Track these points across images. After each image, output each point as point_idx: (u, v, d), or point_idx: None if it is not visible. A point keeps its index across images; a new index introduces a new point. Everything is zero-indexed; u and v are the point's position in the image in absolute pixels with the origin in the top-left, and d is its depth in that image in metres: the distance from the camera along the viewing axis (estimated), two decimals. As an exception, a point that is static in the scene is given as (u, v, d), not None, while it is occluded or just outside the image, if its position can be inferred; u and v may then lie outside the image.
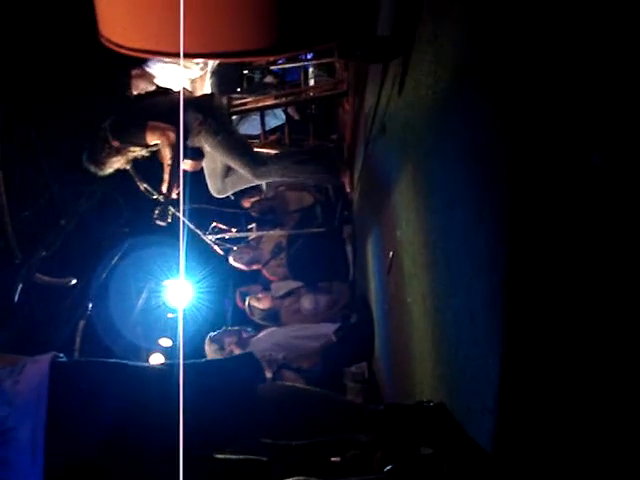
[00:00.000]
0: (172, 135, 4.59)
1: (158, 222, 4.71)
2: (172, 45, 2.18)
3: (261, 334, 5.33)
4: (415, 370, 2.51)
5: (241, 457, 2.11)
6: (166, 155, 4.58)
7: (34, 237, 5.70)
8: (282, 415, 1.91)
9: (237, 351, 5.12)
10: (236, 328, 5.55)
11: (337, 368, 4.54)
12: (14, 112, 5.35)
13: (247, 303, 6.29)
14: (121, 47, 2.31)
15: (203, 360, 2.25)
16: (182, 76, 5.62)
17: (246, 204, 7.32)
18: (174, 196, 4.69)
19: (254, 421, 1.91)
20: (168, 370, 2.03)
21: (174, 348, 8.60)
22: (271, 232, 6.81)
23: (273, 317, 6.14)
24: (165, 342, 8.72)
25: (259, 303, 6.18)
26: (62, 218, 6.10)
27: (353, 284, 5.43)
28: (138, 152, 4.73)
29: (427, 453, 1.87)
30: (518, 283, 1.28)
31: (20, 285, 4.96)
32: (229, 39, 2.19)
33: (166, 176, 4.61)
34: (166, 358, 8.59)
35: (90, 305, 6.46)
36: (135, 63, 5.72)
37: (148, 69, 5.58)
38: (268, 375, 4.58)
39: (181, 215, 4.63)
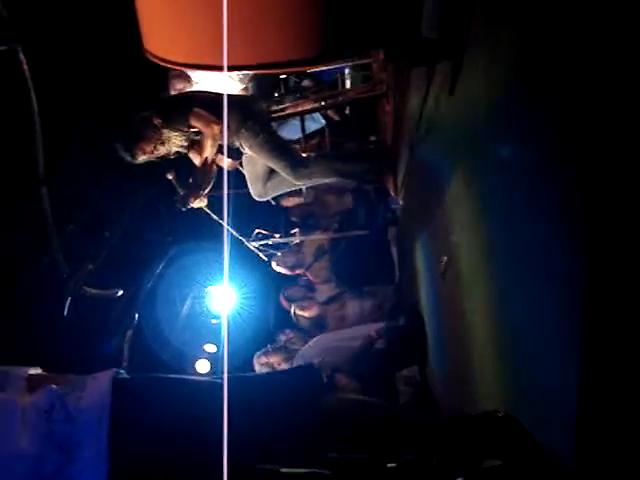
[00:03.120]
0: (216, 128, 4.55)
1: (178, 206, 4.65)
2: (216, 58, 2.15)
3: (306, 344, 5.30)
4: (475, 377, 2.45)
5: (306, 471, 2.08)
6: (205, 146, 4.54)
7: (80, 250, 5.75)
8: (350, 431, 1.89)
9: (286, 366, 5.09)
10: (281, 344, 5.51)
11: (388, 371, 4.49)
12: (57, 125, 5.40)
13: (293, 312, 6.25)
14: (165, 61, 2.30)
15: (264, 373, 2.23)
16: (221, 77, 5.61)
17: (287, 204, 7.29)
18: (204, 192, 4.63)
19: (319, 436, 1.89)
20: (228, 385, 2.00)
21: (219, 354, 8.62)
22: (313, 236, 6.78)
23: (319, 324, 6.11)
24: (210, 348, 8.73)
25: (304, 311, 6.15)
26: (106, 230, 6.14)
27: (399, 287, 5.38)
28: (174, 140, 4.64)
29: (496, 465, 1.82)
30: (599, 292, 1.23)
31: (69, 299, 4.99)
32: (275, 50, 2.16)
33: (200, 168, 4.56)
34: (211, 365, 8.63)
35: (137, 315, 6.48)
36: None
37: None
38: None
39: (225, 221, 4.58)
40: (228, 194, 4.54)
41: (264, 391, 2.01)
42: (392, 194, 4.82)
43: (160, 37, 2.30)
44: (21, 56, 4.98)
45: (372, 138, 6.17)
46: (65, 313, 4.93)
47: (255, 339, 8.61)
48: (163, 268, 7.24)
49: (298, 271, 7.14)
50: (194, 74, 5.58)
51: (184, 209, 4.54)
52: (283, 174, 4.84)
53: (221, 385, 2.04)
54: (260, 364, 5.33)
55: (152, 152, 4.58)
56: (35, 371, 2.22)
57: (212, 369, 8.62)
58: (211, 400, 1.96)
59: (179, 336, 8.30)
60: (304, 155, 4.95)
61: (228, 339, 8.30)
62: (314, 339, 5.36)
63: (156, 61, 2.35)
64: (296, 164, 4.79)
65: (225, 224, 5.27)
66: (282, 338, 7.09)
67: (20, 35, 4.87)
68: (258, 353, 5.39)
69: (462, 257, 2.48)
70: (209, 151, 4.54)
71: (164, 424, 1.90)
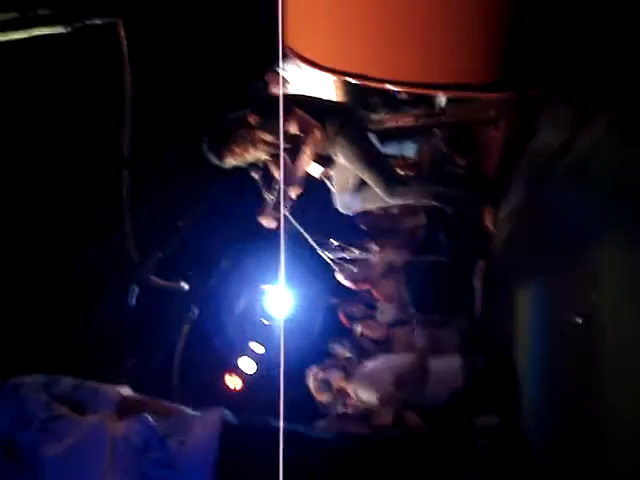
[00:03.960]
0: (317, 132, 4.33)
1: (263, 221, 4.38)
2: (380, 70, 1.92)
3: (370, 364, 5.02)
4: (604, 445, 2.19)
5: None
6: (303, 152, 4.29)
7: (151, 237, 5.58)
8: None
9: (348, 388, 4.82)
10: (341, 362, 5.24)
11: (463, 415, 4.20)
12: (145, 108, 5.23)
13: (359, 330, 5.99)
14: (315, 65, 2.06)
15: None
16: (317, 82, 5.40)
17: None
18: (293, 196, 4.39)
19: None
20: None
21: (265, 356, 8.45)
22: (389, 252, 6.51)
23: (383, 347, 5.84)
24: (257, 347, 8.56)
25: (371, 331, 5.87)
26: (179, 219, 5.97)
27: (479, 322, 5.07)
28: (266, 145, 4.42)
29: None
30: None
31: (136, 288, 4.80)
32: (444, 69, 1.90)
33: (292, 170, 4.32)
34: (257, 364, 8.45)
35: (197, 311, 6.29)
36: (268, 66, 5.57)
37: (282, 72, 5.38)
38: (388, 419, 4.30)
39: (281, 221, 4.28)
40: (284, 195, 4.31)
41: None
42: (489, 226, 4.53)
43: (312, 38, 2.06)
44: (121, 31, 4.83)
45: (462, 162, 5.87)
46: (132, 302, 4.74)
47: (304, 345, 8.46)
48: (226, 265, 7.06)
49: (364, 286, 6.87)
50: (288, 73, 5.37)
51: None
52: (376, 189, 4.59)
53: (337, 446, 1.81)
54: (316, 379, 5.06)
55: (242, 155, 4.37)
56: (125, 391, 2.00)
57: (258, 371, 8.46)
58: (327, 459, 1.73)
59: (232, 331, 8.17)
60: (401, 172, 4.69)
61: (273, 339, 8.19)
62: (377, 360, 5.09)
63: (303, 62, 2.13)
64: (393, 180, 4.55)
65: (302, 230, 5.08)
66: (338, 352, 6.87)
67: (122, 10, 4.71)
68: (314, 367, 5.13)
69: (606, 321, 2.21)
70: (306, 157, 4.31)
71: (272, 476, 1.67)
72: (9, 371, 4.26)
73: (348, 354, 6.01)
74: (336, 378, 4.99)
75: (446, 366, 4.65)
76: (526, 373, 3.59)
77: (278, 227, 4.47)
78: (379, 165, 4.58)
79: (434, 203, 4.69)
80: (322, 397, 4.96)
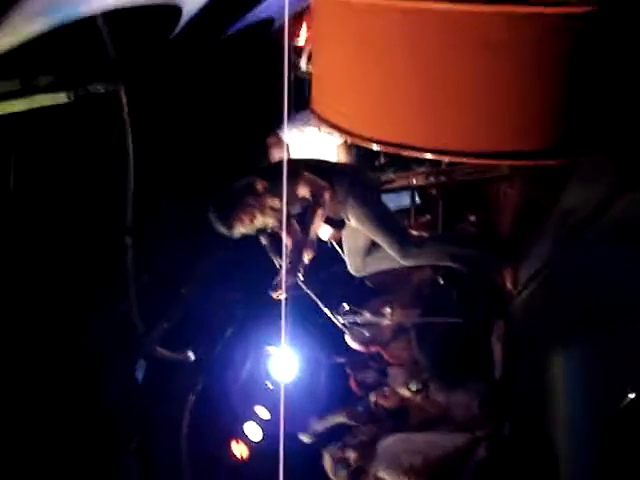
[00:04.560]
0: (328, 195, 4.19)
1: (287, 278, 4.17)
2: (418, 139, 1.78)
3: (388, 440, 4.78)
4: None
5: None
6: (316, 215, 4.15)
7: (154, 306, 5.40)
8: None
9: (366, 465, 4.58)
10: (356, 440, 5.01)
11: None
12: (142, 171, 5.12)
13: (373, 400, 5.75)
14: (353, 135, 1.93)
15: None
16: (322, 144, 5.31)
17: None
18: (306, 261, 4.22)
19: None
20: None
21: (272, 422, 8.22)
22: (399, 312, 6.32)
23: (399, 415, 5.60)
24: (262, 412, 8.32)
25: (386, 401, 5.64)
26: (182, 285, 5.79)
27: (501, 388, 4.85)
28: (274, 211, 4.26)
29: None
30: None
31: (144, 362, 4.60)
32: (498, 137, 1.76)
33: (305, 235, 4.17)
34: (263, 430, 8.20)
35: (202, 380, 6.07)
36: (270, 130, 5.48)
37: (285, 137, 5.28)
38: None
39: (283, 283, 4.08)
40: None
41: None
42: (508, 287, 4.36)
43: (349, 106, 1.93)
44: (122, 97, 4.74)
45: (471, 218, 5.73)
46: (140, 378, 4.53)
47: (309, 408, 8.22)
48: (231, 330, 6.86)
49: (373, 348, 6.66)
50: (289, 137, 5.27)
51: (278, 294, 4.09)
52: (389, 251, 4.43)
53: None
54: (335, 460, 4.80)
55: (250, 222, 4.21)
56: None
57: (264, 438, 8.21)
58: None
59: (236, 398, 7.95)
60: (414, 233, 4.54)
61: (278, 403, 7.95)
62: (397, 435, 4.85)
63: (328, 127, 1.99)
64: (406, 242, 4.38)
65: (319, 302, 4.91)
66: (349, 422, 6.63)
67: (124, 76, 4.63)
68: (332, 448, 4.87)
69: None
70: (318, 220, 4.16)
71: None
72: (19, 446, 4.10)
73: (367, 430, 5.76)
74: (353, 458, 4.73)
75: (466, 439, 4.42)
76: (567, 446, 3.39)
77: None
78: (392, 226, 4.43)
79: (450, 264, 4.52)
80: (339, 477, 4.70)
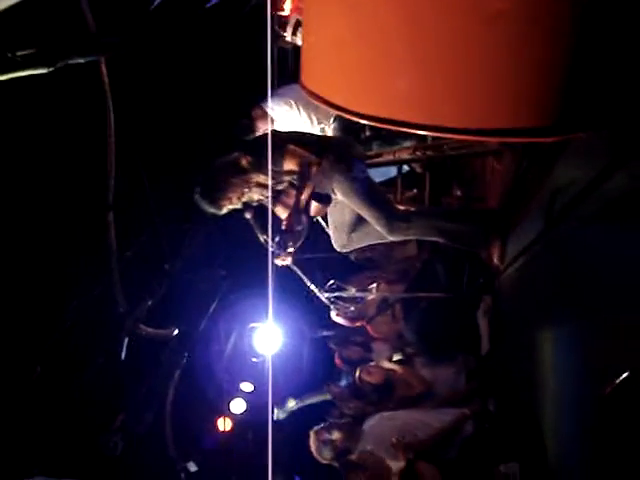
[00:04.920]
0: (315, 168, 4.13)
1: (277, 254, 4.18)
2: (413, 114, 1.71)
3: (372, 421, 4.75)
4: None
5: None
6: (300, 190, 4.11)
7: (137, 282, 5.33)
8: None
9: (352, 448, 4.55)
10: (343, 421, 4.97)
11: (481, 463, 3.97)
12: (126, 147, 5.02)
13: (357, 376, 5.73)
14: (342, 109, 1.85)
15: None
16: (303, 119, 5.23)
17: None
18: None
19: None
20: None
21: (255, 394, 8.25)
22: (384, 287, 6.30)
23: (385, 389, 5.57)
24: (246, 387, 8.35)
25: (371, 377, 5.61)
26: (166, 261, 5.72)
27: (488, 363, 4.84)
28: (261, 186, 4.23)
29: None
30: None
31: (126, 339, 4.53)
32: (492, 114, 1.69)
33: (291, 210, 4.13)
34: (247, 404, 8.23)
35: (187, 355, 6.03)
36: (254, 103, 5.38)
37: (270, 111, 5.20)
38: (400, 464, 4.05)
39: (269, 259, 4.05)
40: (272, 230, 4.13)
41: None
42: (495, 263, 4.33)
43: (340, 80, 1.86)
44: (103, 69, 4.62)
45: (458, 193, 5.69)
46: (122, 356, 4.47)
47: (293, 382, 8.26)
48: (215, 306, 6.81)
49: (358, 323, 6.64)
50: (275, 112, 5.18)
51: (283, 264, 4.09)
52: (376, 226, 4.37)
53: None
54: (320, 441, 4.76)
55: (238, 200, 4.17)
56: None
57: (247, 409, 8.25)
58: None
59: (221, 373, 7.97)
60: (402, 208, 4.47)
61: (263, 378, 7.98)
62: (382, 414, 4.82)
63: (321, 102, 1.92)
64: (393, 217, 4.32)
65: (305, 277, 4.87)
66: (334, 392, 6.62)
67: (105, 48, 4.50)
68: (317, 428, 4.83)
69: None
70: (306, 193, 4.10)
71: None
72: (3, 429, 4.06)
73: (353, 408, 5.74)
74: (339, 438, 4.69)
75: (453, 416, 4.40)
76: (555, 422, 3.38)
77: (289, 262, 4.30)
78: (379, 201, 4.37)
79: (437, 239, 4.47)
80: (325, 457, 4.67)
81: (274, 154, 4.01)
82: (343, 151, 4.37)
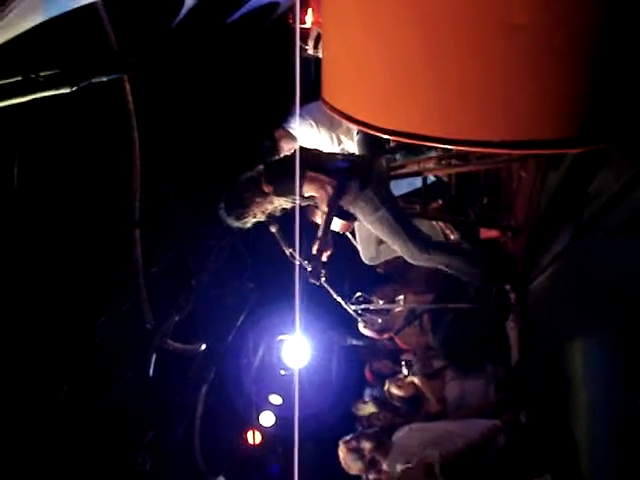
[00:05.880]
0: (331, 190, 4.14)
1: (311, 280, 4.19)
2: (441, 128, 1.68)
3: (403, 431, 4.70)
4: None
5: None
6: (321, 211, 4.15)
7: (164, 298, 5.34)
8: None
9: (380, 456, 4.51)
10: (372, 430, 4.92)
11: (513, 476, 3.92)
12: (152, 163, 5.06)
13: (386, 388, 5.69)
14: (368, 126, 1.84)
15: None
16: (329, 138, 5.23)
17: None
18: (324, 259, 4.19)
19: None
20: None
21: (284, 407, 8.23)
22: (411, 298, 6.26)
23: (413, 402, 5.54)
24: (275, 399, 8.34)
25: (400, 390, 5.57)
26: (192, 276, 5.73)
27: (518, 375, 4.76)
28: (282, 203, 4.28)
29: None
30: None
31: (154, 356, 4.54)
32: (510, 125, 1.67)
33: (320, 234, 4.14)
34: (276, 417, 8.21)
35: (214, 369, 6.03)
36: (278, 119, 5.39)
37: (291, 130, 5.21)
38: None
39: (296, 271, 4.03)
40: (300, 239, 4.13)
41: None
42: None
43: (364, 96, 1.85)
44: (127, 87, 4.66)
45: (484, 202, 5.61)
46: (150, 371, 4.47)
47: (322, 395, 8.23)
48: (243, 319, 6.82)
49: (386, 335, 6.61)
50: (298, 131, 5.18)
51: (317, 283, 4.10)
52: (401, 254, 4.43)
53: None
54: (349, 449, 4.72)
55: (262, 214, 4.24)
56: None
57: (276, 422, 8.24)
58: None
59: (250, 386, 7.96)
60: (426, 237, 4.50)
61: (292, 391, 7.95)
62: (412, 425, 4.78)
63: (340, 117, 1.91)
64: (417, 248, 4.39)
65: (332, 290, 4.84)
66: (363, 409, 6.59)
67: (128, 66, 4.54)
68: (346, 438, 4.79)
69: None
70: (324, 213, 4.11)
71: None
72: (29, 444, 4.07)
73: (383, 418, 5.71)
74: (367, 447, 4.65)
75: (484, 427, 4.34)
76: (587, 433, 3.32)
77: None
78: (403, 230, 4.36)
79: (452, 273, 4.55)
80: (353, 467, 4.63)
81: (293, 182, 4.08)
82: (364, 174, 4.33)
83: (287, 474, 7.42)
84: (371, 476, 4.47)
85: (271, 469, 8.35)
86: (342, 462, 4.67)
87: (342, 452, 4.70)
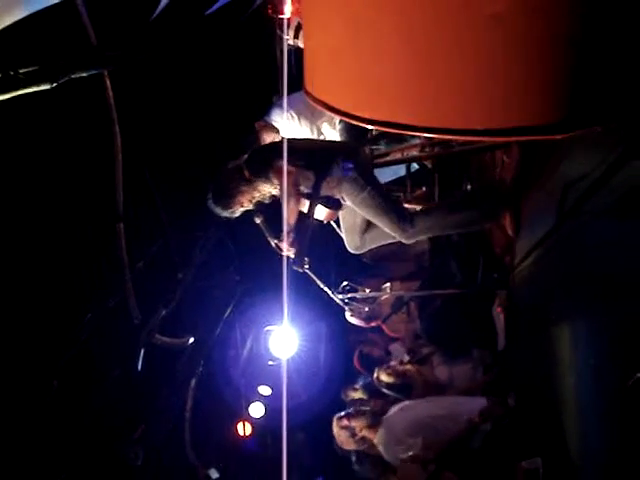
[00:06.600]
0: (312, 177, 4.14)
1: (295, 267, 4.19)
2: (423, 117, 1.69)
3: (393, 411, 4.76)
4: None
5: None
6: (285, 202, 4.09)
7: (151, 292, 5.33)
8: None
9: (371, 435, 4.58)
10: (365, 408, 4.99)
11: (502, 459, 3.95)
12: (134, 158, 5.03)
13: (376, 376, 5.73)
14: (349, 116, 1.84)
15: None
16: (310, 130, 5.22)
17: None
18: (291, 253, 4.18)
19: None
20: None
21: (273, 397, 8.26)
22: (398, 286, 6.29)
23: (403, 389, 5.57)
24: (264, 390, 8.37)
25: (389, 378, 5.61)
26: (179, 270, 5.72)
27: (505, 358, 4.81)
28: (267, 190, 4.27)
29: None
30: None
31: (142, 350, 4.54)
32: (492, 113, 1.67)
33: (285, 227, 4.14)
34: (266, 407, 8.24)
35: (203, 362, 6.03)
36: (261, 109, 5.38)
37: (273, 122, 5.20)
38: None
39: (284, 265, 4.05)
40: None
41: None
42: (510, 234, 4.28)
43: (344, 86, 1.85)
44: (107, 82, 4.62)
45: (468, 188, 5.64)
46: (139, 366, 4.47)
47: (310, 384, 8.27)
48: (231, 311, 6.82)
49: (373, 323, 6.62)
50: (279, 123, 5.17)
51: (301, 270, 4.10)
52: (392, 233, 4.39)
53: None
54: (341, 427, 4.82)
55: (249, 202, 4.22)
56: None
57: (266, 413, 8.27)
58: None
59: (239, 378, 7.98)
60: (409, 210, 4.47)
61: (281, 380, 7.97)
62: (402, 405, 4.83)
63: (322, 107, 1.92)
64: (403, 223, 4.33)
65: (319, 280, 4.85)
66: (353, 396, 6.62)
67: (108, 61, 4.51)
68: (339, 415, 4.88)
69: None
70: (288, 204, 4.08)
71: None
72: (19, 441, 4.06)
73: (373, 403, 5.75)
74: (359, 426, 4.73)
75: (472, 408, 4.39)
76: (573, 413, 3.35)
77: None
78: (389, 209, 4.35)
79: (452, 232, 4.49)
80: (345, 445, 4.73)
81: (266, 170, 4.09)
82: (350, 158, 4.33)
83: (277, 463, 7.45)
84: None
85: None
86: (335, 439, 4.79)
87: (335, 428, 4.83)
